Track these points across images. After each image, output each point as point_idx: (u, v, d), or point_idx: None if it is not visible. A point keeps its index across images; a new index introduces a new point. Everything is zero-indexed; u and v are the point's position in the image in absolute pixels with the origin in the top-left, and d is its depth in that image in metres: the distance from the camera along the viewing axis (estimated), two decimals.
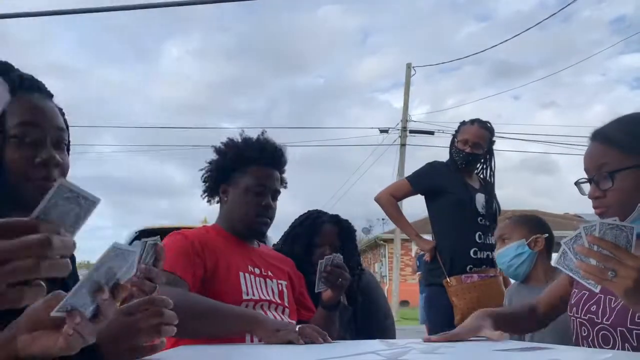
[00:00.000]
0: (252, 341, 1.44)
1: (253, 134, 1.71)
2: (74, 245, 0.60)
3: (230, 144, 1.69)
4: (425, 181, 2.87)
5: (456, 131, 2.88)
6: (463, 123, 2.87)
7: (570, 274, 1.08)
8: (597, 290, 1.09)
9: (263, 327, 1.34)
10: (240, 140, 1.69)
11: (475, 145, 2.78)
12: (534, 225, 2.04)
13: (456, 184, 2.78)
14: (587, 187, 1.25)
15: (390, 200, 2.90)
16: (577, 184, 1.28)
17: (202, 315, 1.36)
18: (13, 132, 0.96)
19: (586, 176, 1.25)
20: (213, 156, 1.70)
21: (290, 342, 1.26)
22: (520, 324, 1.44)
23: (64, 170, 1.01)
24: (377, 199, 2.94)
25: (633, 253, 0.99)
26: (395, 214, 2.94)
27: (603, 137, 1.22)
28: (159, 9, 7.75)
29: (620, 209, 1.16)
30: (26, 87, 0.99)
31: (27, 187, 0.96)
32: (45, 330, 0.69)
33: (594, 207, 1.22)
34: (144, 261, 0.97)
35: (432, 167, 2.90)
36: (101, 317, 0.70)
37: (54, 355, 0.68)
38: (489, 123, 2.88)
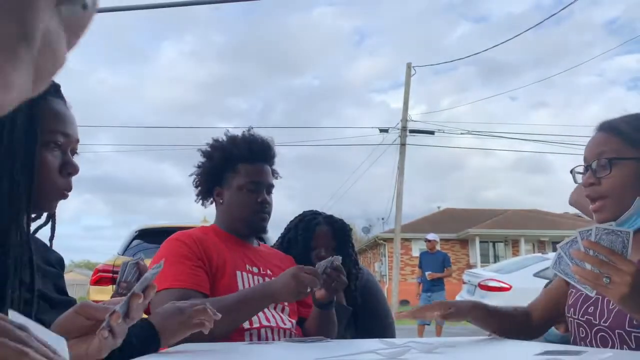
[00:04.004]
0: (251, 339, 1.44)
1: (238, 132, 1.69)
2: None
3: (216, 145, 1.66)
4: None
5: None
6: None
7: (567, 279, 1.07)
8: (593, 295, 1.08)
9: (281, 292, 1.38)
10: (225, 140, 1.67)
11: None
12: None
13: None
14: (581, 177, 1.23)
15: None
16: (572, 172, 1.26)
17: (229, 311, 1.34)
18: (47, 137, 0.97)
19: (584, 165, 1.23)
20: (201, 159, 1.68)
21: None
22: (508, 325, 1.36)
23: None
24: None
25: (629, 258, 0.99)
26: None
27: (608, 126, 1.20)
28: (154, 10, 7.74)
29: (614, 199, 1.15)
30: (54, 92, 1.01)
31: (52, 193, 1.00)
32: (75, 339, 0.78)
33: (587, 196, 1.20)
34: (126, 279, 0.99)
35: None
36: (131, 318, 0.81)
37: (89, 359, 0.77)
38: None
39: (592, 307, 1.19)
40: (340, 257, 1.55)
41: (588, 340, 1.18)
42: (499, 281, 7.73)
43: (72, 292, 1.13)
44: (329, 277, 1.50)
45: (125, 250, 5.40)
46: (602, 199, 1.17)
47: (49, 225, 1.06)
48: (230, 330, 1.40)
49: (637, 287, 0.95)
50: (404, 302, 17.40)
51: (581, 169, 1.24)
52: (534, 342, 1.27)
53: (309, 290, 1.38)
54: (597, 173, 1.17)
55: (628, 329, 1.09)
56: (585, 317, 1.20)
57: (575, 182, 1.25)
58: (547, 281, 2.26)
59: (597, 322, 1.16)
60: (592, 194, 1.19)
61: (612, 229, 1.00)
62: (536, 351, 1.00)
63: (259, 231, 1.68)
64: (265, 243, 1.85)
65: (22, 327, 0.66)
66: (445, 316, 1.29)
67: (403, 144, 14.87)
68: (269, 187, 1.66)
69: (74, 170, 1.01)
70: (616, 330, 1.11)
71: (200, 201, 1.70)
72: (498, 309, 1.39)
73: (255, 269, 1.59)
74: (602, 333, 1.15)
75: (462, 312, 1.32)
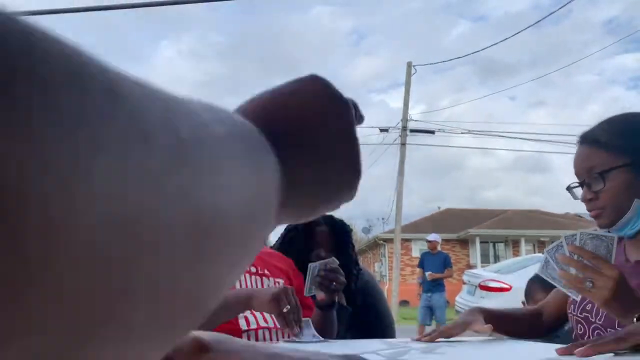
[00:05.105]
0: (249, 339, 1.43)
1: None
2: None
3: None
4: None
5: None
6: None
7: (553, 283, 1.10)
8: (577, 299, 1.12)
9: (259, 299, 1.33)
10: None
11: None
12: None
13: None
14: (579, 191, 1.26)
15: None
16: (569, 189, 1.28)
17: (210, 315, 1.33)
18: None
19: (577, 180, 1.25)
20: None
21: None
22: (518, 327, 1.35)
23: None
24: None
25: (630, 260, 1.00)
26: None
27: (590, 139, 1.23)
28: (152, 9, 7.74)
29: (614, 209, 1.17)
30: None
31: None
32: None
33: (589, 210, 1.22)
34: None
35: None
36: None
37: None
38: None
39: (590, 305, 1.21)
40: (335, 259, 1.52)
41: (586, 336, 1.20)
42: (500, 281, 7.73)
43: None
44: (325, 279, 1.49)
45: None
46: (601, 209, 1.19)
47: None
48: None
49: (620, 291, 0.97)
50: (404, 303, 17.41)
51: (576, 185, 1.26)
52: (537, 342, 1.27)
53: (285, 310, 1.32)
54: (592, 188, 1.20)
55: (617, 328, 1.11)
56: (583, 314, 1.22)
57: (575, 198, 1.27)
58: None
59: (593, 320, 1.18)
60: (592, 207, 1.21)
61: (596, 234, 1.04)
62: (538, 351, 0.99)
63: None
64: (264, 244, 1.84)
65: None
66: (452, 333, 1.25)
67: (403, 144, 14.87)
68: None
69: None
70: (608, 329, 1.13)
71: None
72: (505, 312, 1.39)
73: (252, 269, 1.59)
74: (598, 330, 1.17)
75: (467, 323, 1.28)
